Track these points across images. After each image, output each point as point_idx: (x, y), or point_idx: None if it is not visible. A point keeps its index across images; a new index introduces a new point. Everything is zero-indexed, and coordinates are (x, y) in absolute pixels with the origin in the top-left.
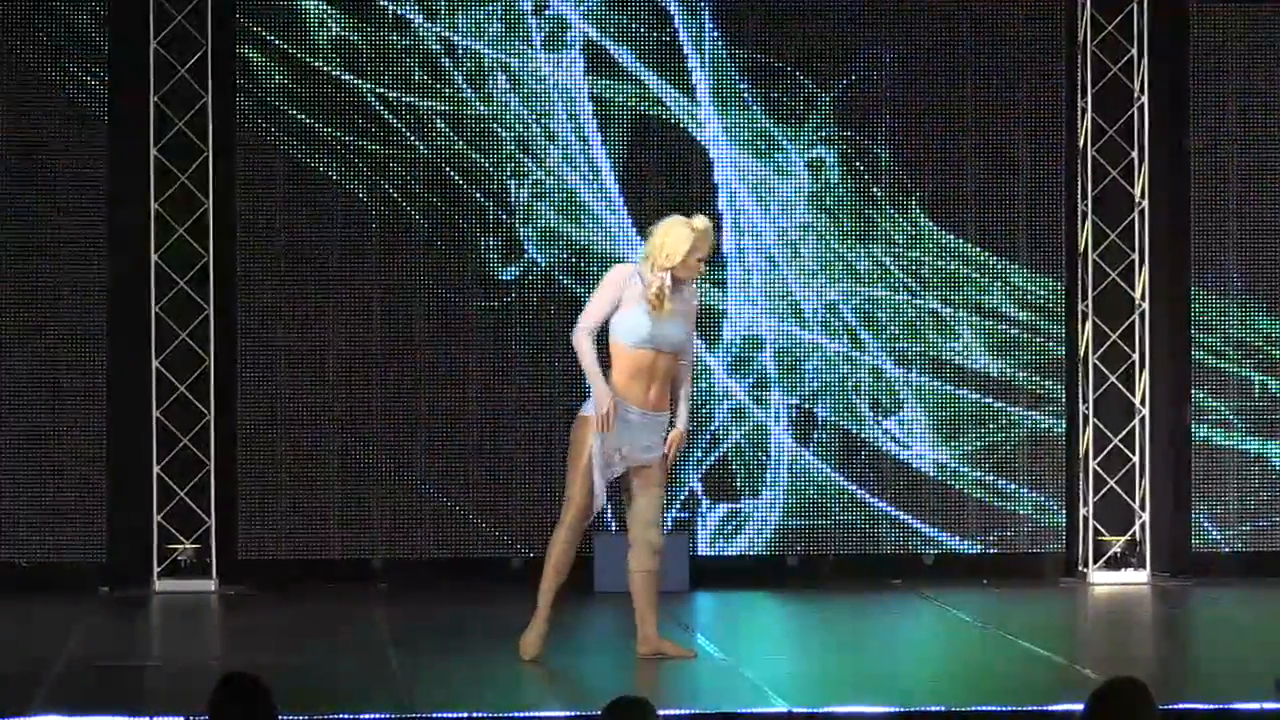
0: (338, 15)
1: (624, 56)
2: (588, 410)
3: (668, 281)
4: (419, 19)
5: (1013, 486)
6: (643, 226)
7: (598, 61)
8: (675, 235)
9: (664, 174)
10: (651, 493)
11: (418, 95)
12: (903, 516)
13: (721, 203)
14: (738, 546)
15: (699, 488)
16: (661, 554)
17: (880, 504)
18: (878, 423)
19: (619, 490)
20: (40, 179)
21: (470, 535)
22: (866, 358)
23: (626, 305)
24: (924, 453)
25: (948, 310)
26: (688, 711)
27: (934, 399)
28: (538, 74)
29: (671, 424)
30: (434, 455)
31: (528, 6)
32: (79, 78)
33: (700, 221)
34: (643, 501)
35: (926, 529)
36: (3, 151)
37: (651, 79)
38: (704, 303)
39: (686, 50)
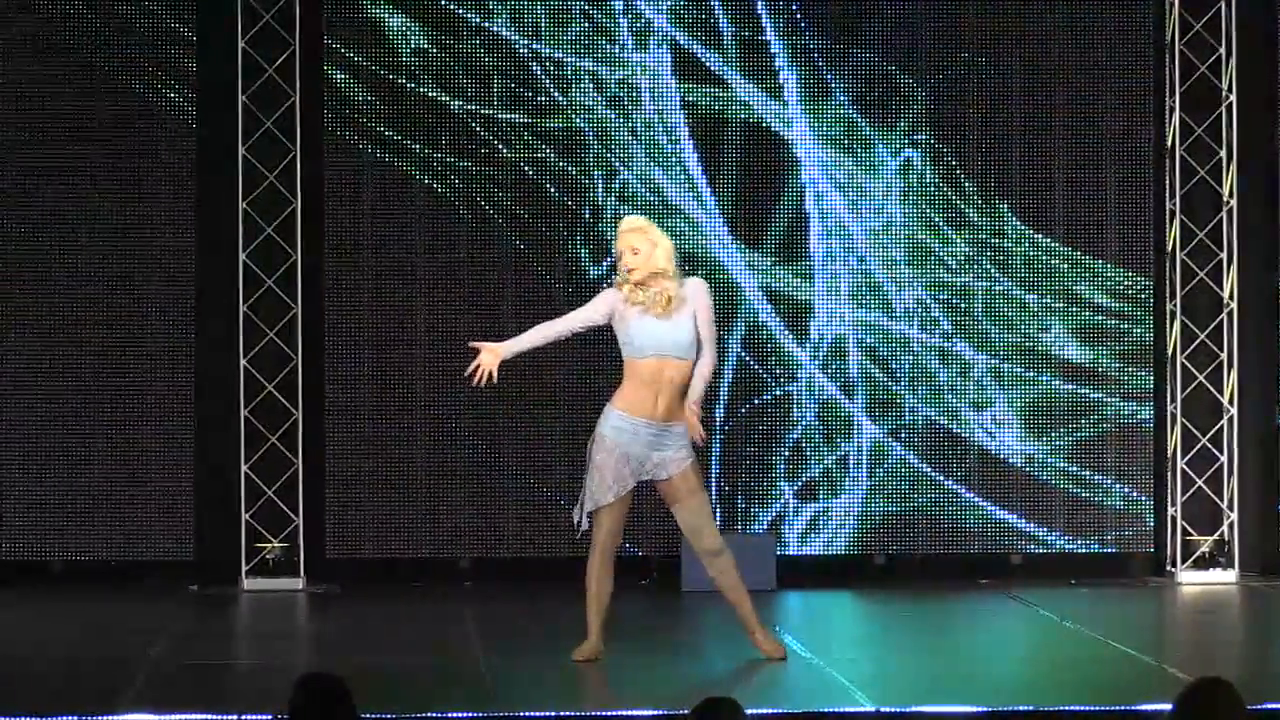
0: (421, 25)
1: (711, 56)
2: (600, 429)
3: (629, 278)
4: (507, 31)
5: (1101, 486)
6: (734, 226)
7: (684, 62)
8: None
9: (751, 172)
10: (689, 504)
11: (502, 98)
12: (992, 514)
13: (809, 202)
14: (825, 545)
15: (786, 486)
16: (722, 553)
17: (968, 502)
18: (968, 419)
19: (741, 493)
20: (129, 178)
21: (556, 534)
22: (955, 354)
23: (626, 318)
24: (1013, 449)
25: (1036, 307)
26: (775, 711)
27: (1022, 396)
28: (625, 76)
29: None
30: (521, 454)
31: (617, 9)
32: (167, 77)
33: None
34: (684, 515)
35: (1014, 527)
36: (92, 151)
37: (738, 78)
38: (793, 298)
39: (774, 49)
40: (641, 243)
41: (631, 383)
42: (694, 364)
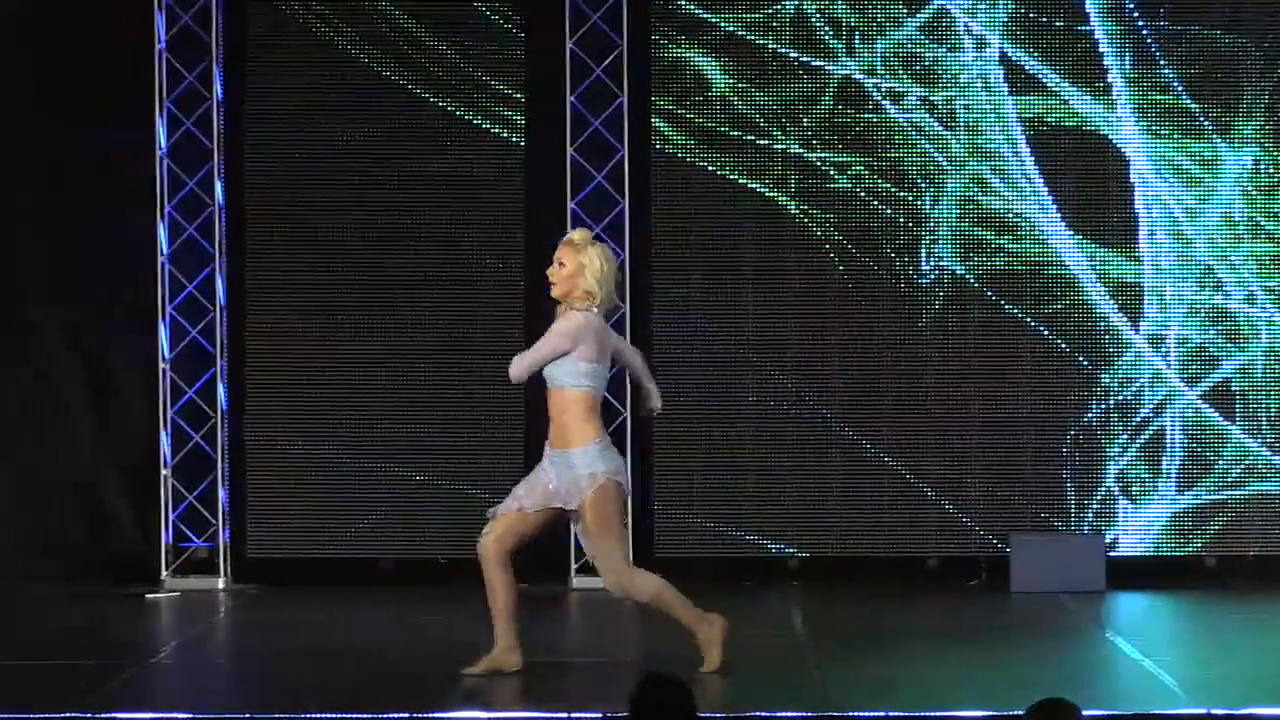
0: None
1: (1036, 59)
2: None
3: (552, 291)
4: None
5: None
6: (1072, 222)
7: (1010, 65)
8: None
9: (1084, 168)
10: (595, 551)
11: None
12: None
13: (1138, 200)
14: (1156, 546)
15: (1116, 487)
16: (641, 597)
17: None
18: None
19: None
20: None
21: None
22: None
23: None
24: None
25: None
26: (1106, 713)
27: None
28: (955, 79)
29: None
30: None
31: (953, 14)
32: (496, 80)
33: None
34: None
35: None
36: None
37: (1063, 78)
38: (1131, 291)
39: (1103, 48)
40: (570, 259)
41: None
42: (574, 389)
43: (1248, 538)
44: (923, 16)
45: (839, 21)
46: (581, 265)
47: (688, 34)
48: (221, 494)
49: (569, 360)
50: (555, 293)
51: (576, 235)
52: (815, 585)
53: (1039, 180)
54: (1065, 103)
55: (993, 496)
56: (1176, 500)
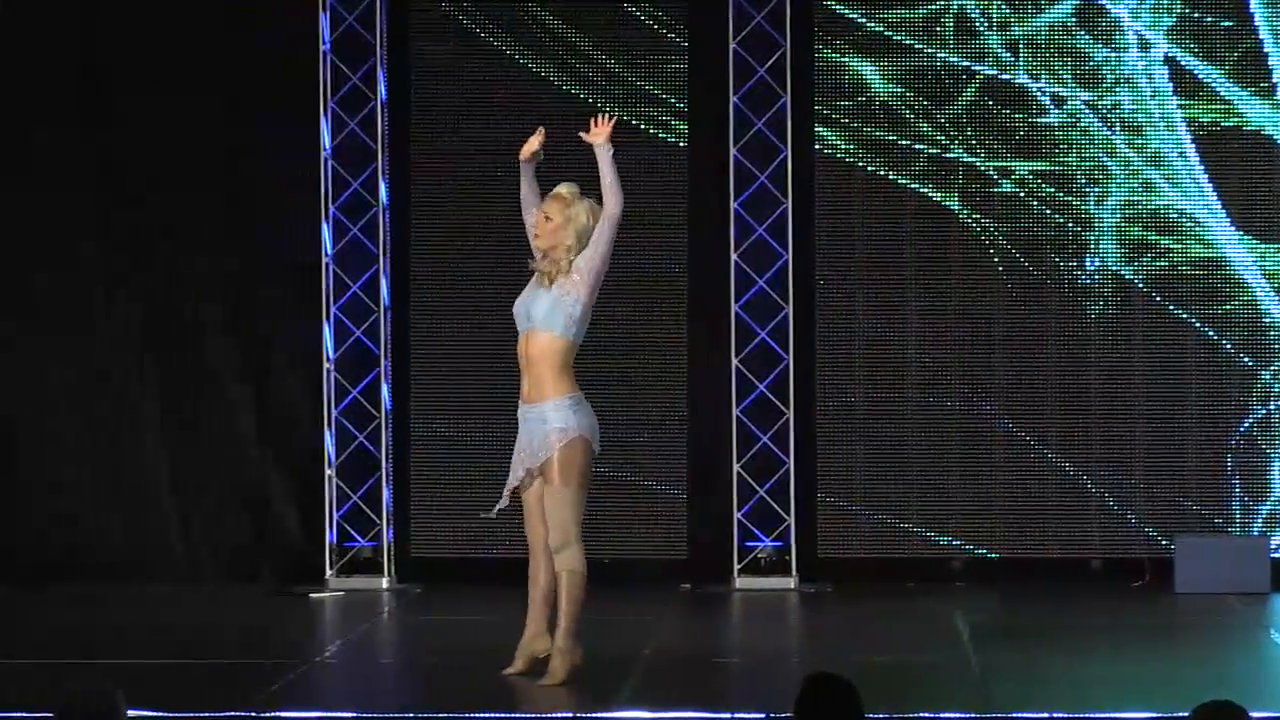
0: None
1: (1200, 59)
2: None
3: (534, 243)
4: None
5: None
6: (1240, 222)
7: (1175, 66)
8: None
9: (1246, 174)
10: (550, 504)
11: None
12: None
13: None
14: None
15: None
16: (562, 553)
17: None
18: None
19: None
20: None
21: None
22: None
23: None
24: None
25: None
26: (1273, 715)
27: None
28: (1120, 79)
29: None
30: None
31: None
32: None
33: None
34: (547, 529)
35: None
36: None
37: (1227, 78)
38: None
39: (1267, 47)
40: (557, 213)
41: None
42: (559, 337)
43: None
44: (1070, 3)
45: (1001, 22)
46: (568, 219)
47: (849, 35)
48: (385, 494)
49: (575, 304)
50: (540, 244)
51: (564, 189)
52: (978, 585)
53: (1205, 181)
54: (1230, 103)
55: (1157, 497)
56: None
